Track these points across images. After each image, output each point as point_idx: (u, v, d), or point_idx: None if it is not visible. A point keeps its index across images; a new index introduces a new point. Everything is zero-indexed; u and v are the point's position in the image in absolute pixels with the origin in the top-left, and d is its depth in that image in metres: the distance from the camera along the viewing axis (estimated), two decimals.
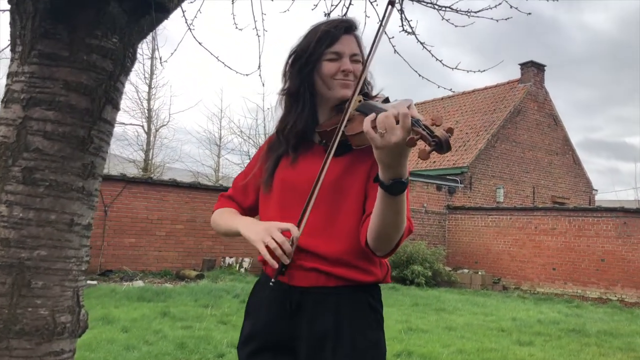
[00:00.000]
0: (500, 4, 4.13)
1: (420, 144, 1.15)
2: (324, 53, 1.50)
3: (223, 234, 1.64)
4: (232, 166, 24.25)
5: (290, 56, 1.57)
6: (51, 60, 1.84)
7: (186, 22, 3.95)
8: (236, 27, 4.24)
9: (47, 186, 1.81)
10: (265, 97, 26.42)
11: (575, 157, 19.98)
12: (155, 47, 19.36)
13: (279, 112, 1.62)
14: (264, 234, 1.35)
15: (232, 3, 4.12)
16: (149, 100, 21.24)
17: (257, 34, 4.14)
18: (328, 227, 1.43)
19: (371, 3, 3.58)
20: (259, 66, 4.30)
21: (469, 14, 3.93)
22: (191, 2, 4.14)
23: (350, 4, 4.06)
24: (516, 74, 19.08)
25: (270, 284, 1.40)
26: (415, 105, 1.50)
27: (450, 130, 1.11)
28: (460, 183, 16.60)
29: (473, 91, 20.49)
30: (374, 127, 1.19)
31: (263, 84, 4.21)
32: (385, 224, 1.28)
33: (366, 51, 1.59)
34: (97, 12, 1.88)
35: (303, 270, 1.42)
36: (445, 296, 10.93)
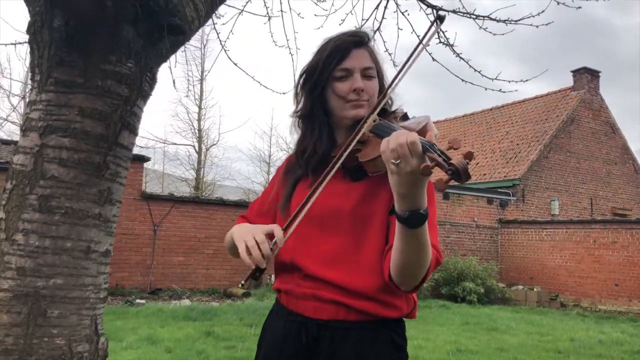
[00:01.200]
0: (543, 11, 3.95)
1: (438, 172, 1.04)
2: (334, 71, 1.41)
3: (229, 249, 1.56)
4: None
5: (301, 76, 1.50)
6: (67, 88, 1.84)
7: (220, 43, 3.97)
8: (275, 45, 4.23)
9: (63, 214, 1.80)
10: None
11: (637, 166, 18.95)
12: (203, 69, 19.87)
13: (295, 135, 1.55)
14: (246, 233, 1.26)
15: (269, 20, 4.12)
16: (199, 120, 21.82)
17: (290, 53, 4.12)
18: (350, 257, 1.33)
19: (402, 13, 3.48)
20: (294, 85, 4.25)
21: (507, 22, 3.77)
22: (224, 24, 4.17)
23: (383, 17, 3.98)
24: (567, 81, 18.40)
25: (239, 285, 1.35)
26: (433, 121, 1.39)
27: (469, 156, 0.99)
28: (512, 196, 16.03)
29: (523, 101, 19.87)
30: (386, 153, 1.09)
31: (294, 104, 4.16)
32: (406, 259, 1.18)
33: (383, 63, 1.49)
34: (111, 38, 1.87)
35: (321, 301, 1.33)
36: (498, 314, 10.49)
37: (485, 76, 4.00)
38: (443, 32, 4.08)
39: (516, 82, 4.22)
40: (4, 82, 16.54)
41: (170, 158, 22.83)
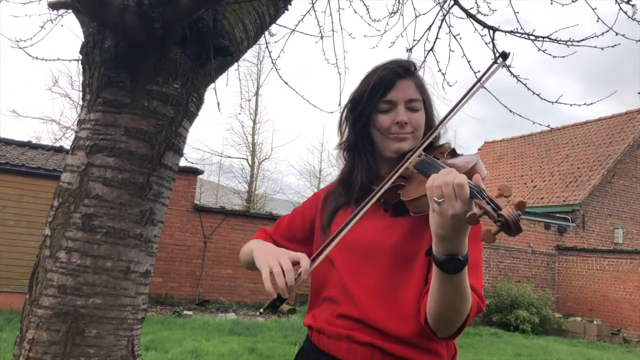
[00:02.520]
0: (607, 31, 3.75)
1: (485, 220, 0.95)
2: (378, 103, 1.34)
3: (244, 263, 1.48)
4: None
5: (345, 106, 1.44)
6: (114, 108, 1.86)
7: (272, 62, 3.98)
8: (327, 62, 4.22)
9: (105, 233, 1.81)
10: None
11: None
12: (259, 84, 20.26)
13: (340, 166, 1.49)
14: (271, 258, 1.18)
15: (321, 40, 4.12)
16: (253, 134, 22.19)
17: (339, 72, 4.08)
18: (389, 297, 1.25)
19: (455, 37, 3.37)
20: (340, 104, 4.23)
21: (568, 44, 3.58)
22: (276, 42, 4.19)
23: (437, 37, 3.88)
24: (634, 103, 17.53)
25: (259, 313, 1.26)
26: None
27: (521, 206, 0.90)
28: (572, 222, 15.30)
29: (585, 122, 19.05)
30: (431, 189, 1.01)
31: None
32: (442, 305, 1.10)
33: (431, 94, 1.41)
34: (159, 59, 1.88)
35: (356, 343, 1.25)
36: (554, 347, 9.96)
37: (545, 99, 3.82)
38: (508, 67, 3.94)
39: (579, 105, 4.01)
40: (73, 93, 17.37)
41: (225, 170, 23.32)
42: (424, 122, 1.37)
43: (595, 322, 12.78)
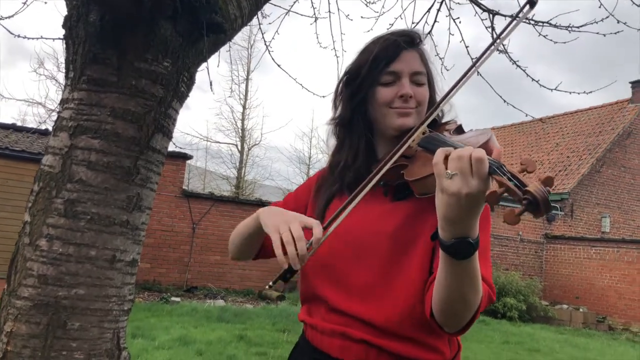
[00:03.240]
0: (607, 17, 3.67)
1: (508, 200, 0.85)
2: (380, 75, 1.23)
3: (239, 240, 1.38)
4: None
5: (342, 79, 1.33)
6: (99, 86, 1.74)
7: (265, 44, 3.85)
8: (320, 46, 4.10)
9: (89, 220, 1.70)
10: None
11: None
12: (249, 69, 20.01)
13: (331, 144, 1.38)
14: (282, 222, 1.08)
15: (315, 22, 4.00)
16: (242, 120, 21.98)
17: (336, 55, 3.97)
18: (385, 289, 1.15)
19: (454, 20, 3.27)
20: (334, 88, 4.12)
21: (570, 29, 3.50)
22: (270, 24, 4.06)
23: (435, 21, 3.77)
24: (622, 93, 17.57)
25: (267, 286, 1.16)
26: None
27: (549, 182, 0.80)
28: (560, 210, 15.38)
29: (576, 112, 19.09)
30: (439, 165, 0.91)
31: None
32: (451, 295, 0.99)
33: (432, 67, 1.30)
34: (147, 35, 1.76)
35: (350, 340, 1.16)
36: (541, 334, 10.03)
37: (544, 86, 3.74)
38: (505, 51, 3.85)
39: (578, 93, 3.95)
40: (59, 76, 17.08)
41: (213, 156, 23.06)
42: (428, 98, 1.27)
43: (581, 310, 12.90)
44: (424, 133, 1.18)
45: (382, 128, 1.27)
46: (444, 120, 1.31)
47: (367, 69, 1.24)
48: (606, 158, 16.29)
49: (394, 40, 1.24)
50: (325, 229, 1.10)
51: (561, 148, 17.78)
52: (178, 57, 1.85)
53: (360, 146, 1.28)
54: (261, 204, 11.77)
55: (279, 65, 3.78)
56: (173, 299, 8.87)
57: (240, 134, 22.26)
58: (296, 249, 1.02)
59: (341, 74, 1.34)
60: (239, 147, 22.37)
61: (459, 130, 1.24)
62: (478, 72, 1.13)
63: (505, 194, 0.84)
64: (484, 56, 1.08)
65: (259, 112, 41.40)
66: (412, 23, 3.46)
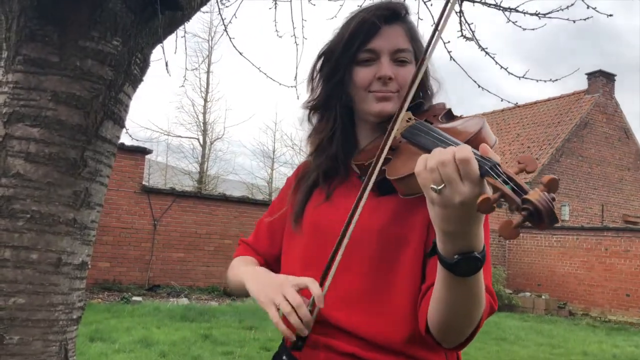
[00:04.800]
0: (572, 4, 3.62)
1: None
2: (357, 53, 1.09)
3: (235, 289, 1.26)
4: (285, 179, 24.13)
5: (319, 58, 1.18)
6: (38, 67, 1.53)
7: (225, 30, 3.65)
8: (277, 35, 3.92)
9: (29, 219, 1.50)
10: None
11: None
12: (210, 60, 19.59)
13: (307, 130, 1.23)
14: (274, 292, 0.97)
15: (275, 7, 3.82)
16: (204, 113, 21.52)
17: (296, 42, 3.79)
18: (374, 296, 1.02)
19: (425, 3, 3.15)
20: (296, 77, 3.96)
21: (539, 16, 3.44)
22: (227, 7, 3.85)
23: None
24: (577, 84, 18.02)
25: (283, 358, 1.08)
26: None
27: (552, 186, 0.67)
28: None
29: (535, 103, 19.47)
30: (422, 174, 0.78)
31: (298, 97, 3.84)
32: (451, 313, 0.87)
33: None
34: (95, 10, 1.56)
35: (335, 353, 1.02)
36: (506, 322, 10.17)
37: (512, 74, 3.67)
38: (469, 24, 3.75)
39: (545, 81, 3.90)
40: None
41: (174, 150, 22.53)
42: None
43: (543, 297, 13.19)
44: (408, 120, 1.04)
45: (362, 113, 1.14)
46: (434, 102, 1.17)
47: (343, 46, 1.10)
48: (565, 148, 16.67)
49: (373, 13, 1.09)
50: (322, 279, 0.98)
51: (522, 138, 18.11)
52: (129, 36, 1.66)
53: (336, 130, 1.14)
54: (225, 198, 11.52)
55: (240, 53, 3.58)
56: (134, 298, 8.56)
57: (202, 128, 21.82)
58: (300, 318, 0.93)
59: (318, 53, 1.19)
60: (201, 141, 21.94)
61: (449, 115, 1.10)
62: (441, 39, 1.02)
63: (500, 200, 0.71)
64: (445, 14, 0.94)
65: (221, 105, 40.69)
66: None
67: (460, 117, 1.09)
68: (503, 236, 0.68)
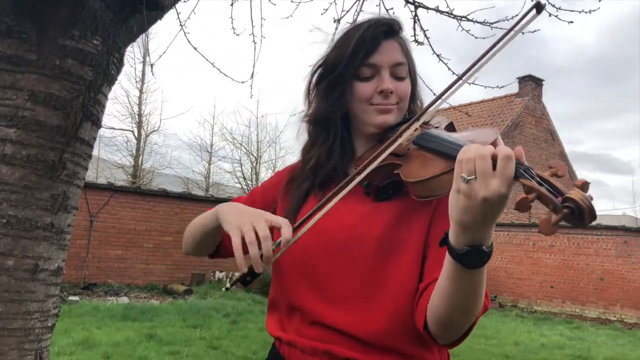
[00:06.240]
0: (516, 15, 3.82)
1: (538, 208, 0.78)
2: (359, 68, 1.13)
3: (193, 236, 1.23)
4: (223, 173, 23.74)
5: (315, 71, 1.20)
6: (14, 65, 1.47)
7: (180, 25, 3.58)
8: (234, 32, 3.89)
9: (5, 224, 1.43)
10: (259, 104, 26.15)
11: (572, 173, 19.80)
12: (147, 50, 18.97)
13: (303, 140, 1.25)
14: (245, 220, 0.97)
15: (232, 5, 3.78)
16: (139, 105, 20.76)
17: (254, 41, 3.78)
18: (370, 296, 1.05)
19: (387, 10, 3.23)
20: (252, 75, 3.96)
21: (491, 26, 3.61)
22: (185, 2, 3.77)
23: (360, 10, 3.72)
24: (508, 87, 18.89)
25: (224, 289, 1.10)
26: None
27: (585, 188, 0.73)
28: None
29: (469, 104, 20.26)
30: (460, 165, 0.81)
31: (251, 96, 3.85)
32: (454, 306, 0.91)
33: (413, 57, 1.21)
34: (75, 7, 1.51)
35: (334, 359, 1.04)
36: None
37: (468, 82, 3.81)
38: (424, 30, 3.87)
39: (492, 87, 4.10)
40: None
41: (107, 143, 21.60)
42: (409, 92, 1.19)
43: None
44: (415, 130, 1.08)
45: (361, 125, 1.18)
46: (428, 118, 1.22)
47: (346, 62, 1.13)
48: None
49: (372, 29, 1.13)
50: (296, 229, 0.99)
51: None
52: (109, 34, 1.62)
53: (335, 144, 1.18)
54: (165, 194, 11.23)
55: (195, 49, 3.53)
56: (71, 297, 8.20)
57: (137, 120, 21.07)
58: (260, 250, 0.92)
59: (313, 66, 1.21)
60: (136, 134, 21.17)
61: (450, 128, 1.16)
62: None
63: (537, 201, 0.76)
64: (496, 49, 0.99)
65: (158, 96, 39.41)
66: (343, 11, 3.38)
67: (469, 129, 1.15)
68: (543, 232, 0.74)
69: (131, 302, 8.52)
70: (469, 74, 1.00)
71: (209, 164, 23.83)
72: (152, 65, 4.07)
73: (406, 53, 1.18)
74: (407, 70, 1.17)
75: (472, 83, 3.96)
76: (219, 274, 11.42)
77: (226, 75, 3.83)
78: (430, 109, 1.05)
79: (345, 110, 1.17)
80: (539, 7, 0.91)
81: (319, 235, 1.09)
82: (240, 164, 22.67)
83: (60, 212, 1.55)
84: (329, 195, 1.02)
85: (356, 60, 1.12)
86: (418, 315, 1.00)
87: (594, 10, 3.63)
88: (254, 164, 22.99)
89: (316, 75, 1.20)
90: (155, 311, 7.71)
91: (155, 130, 21.75)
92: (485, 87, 4.07)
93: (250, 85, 3.98)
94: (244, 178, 22.63)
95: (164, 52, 3.53)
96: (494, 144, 0.94)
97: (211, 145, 23.42)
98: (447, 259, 0.88)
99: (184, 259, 11.23)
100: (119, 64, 1.75)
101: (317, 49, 1.23)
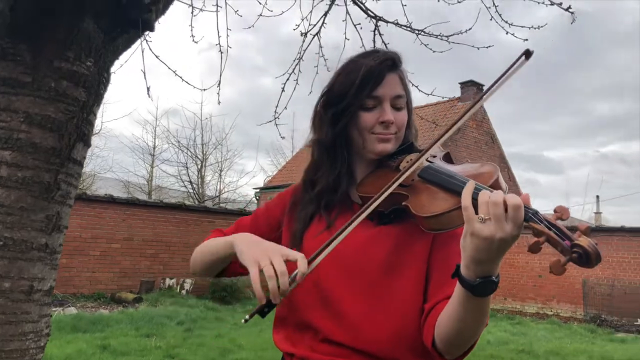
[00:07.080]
0: (469, 29, 4.03)
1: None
2: (365, 99, 1.22)
3: (205, 261, 1.27)
4: (167, 177, 23.25)
5: (321, 99, 1.28)
6: (9, 87, 1.47)
7: (145, 39, 3.57)
8: (193, 40, 3.90)
9: (1, 246, 1.43)
10: (202, 106, 25.76)
11: (511, 175, 20.72)
12: None
13: (307, 161, 1.33)
14: (262, 254, 1.03)
15: (192, 15, 3.80)
16: None
17: (220, 51, 3.81)
18: (378, 316, 1.14)
19: (355, 26, 3.35)
20: (219, 83, 4.00)
21: (449, 41, 3.80)
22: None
23: (324, 22, 3.83)
24: (450, 92, 19.55)
25: (243, 321, 1.10)
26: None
27: (588, 232, 0.83)
28: None
29: (415, 107, 20.78)
30: (469, 208, 0.91)
31: (219, 102, 3.89)
32: (463, 328, 1.01)
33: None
34: (69, 30, 1.53)
35: None
36: None
37: (422, 91, 4.00)
38: (385, 44, 4.02)
39: (449, 98, 4.30)
40: None
41: None
42: (406, 122, 1.29)
43: None
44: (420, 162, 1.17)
45: (362, 151, 1.26)
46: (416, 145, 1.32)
47: (355, 92, 1.21)
48: None
49: (378, 63, 1.22)
50: (310, 262, 1.05)
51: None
52: (100, 55, 1.64)
53: (342, 171, 1.26)
54: (112, 200, 10.93)
55: (157, 57, 3.53)
56: None
57: None
58: (278, 285, 0.98)
59: (321, 93, 1.29)
60: None
61: (447, 158, 1.24)
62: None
63: (545, 243, 0.85)
64: (489, 92, 1.10)
65: None
66: (310, 25, 3.46)
67: (467, 162, 1.24)
68: (554, 273, 0.84)
69: (80, 313, 8.25)
70: (467, 114, 1.11)
71: (152, 167, 23.30)
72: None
73: (405, 85, 1.28)
74: (405, 102, 1.27)
75: (431, 94, 4.15)
76: (169, 281, 11.22)
77: (188, 83, 3.84)
78: (437, 142, 1.15)
79: (347, 137, 1.26)
80: (528, 54, 1.03)
81: (332, 261, 1.13)
82: (186, 167, 22.32)
83: (54, 232, 1.56)
84: (338, 232, 1.07)
85: (364, 92, 1.20)
86: (426, 333, 1.09)
87: (542, 26, 3.90)
88: (199, 167, 22.68)
89: (325, 102, 1.28)
90: (105, 321, 7.51)
91: (96, 133, 21.07)
92: (443, 97, 4.25)
93: (218, 93, 4.02)
94: (190, 182, 22.28)
95: (125, 62, 3.50)
96: (496, 182, 1.03)
97: (154, 148, 22.89)
98: (459, 288, 0.97)
99: (131, 266, 10.96)
100: (107, 83, 1.77)
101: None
